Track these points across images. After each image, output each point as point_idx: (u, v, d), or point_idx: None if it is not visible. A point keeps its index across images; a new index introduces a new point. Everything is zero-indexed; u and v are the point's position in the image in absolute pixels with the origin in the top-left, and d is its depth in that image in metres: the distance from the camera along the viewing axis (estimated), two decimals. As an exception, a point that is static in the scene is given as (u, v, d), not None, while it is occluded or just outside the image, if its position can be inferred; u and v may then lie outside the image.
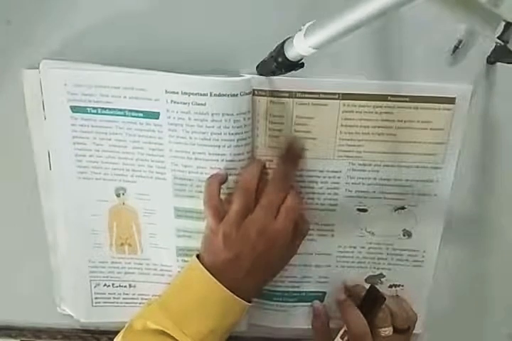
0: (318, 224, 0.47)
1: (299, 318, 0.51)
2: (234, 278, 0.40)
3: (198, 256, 0.42)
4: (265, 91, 0.42)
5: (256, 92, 0.42)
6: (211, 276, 0.40)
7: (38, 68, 0.42)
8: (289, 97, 0.42)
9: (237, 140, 0.42)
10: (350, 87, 0.42)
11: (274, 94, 0.42)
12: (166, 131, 0.42)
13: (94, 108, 0.43)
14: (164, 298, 0.42)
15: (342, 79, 0.42)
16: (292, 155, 0.44)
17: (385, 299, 0.44)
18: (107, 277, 0.50)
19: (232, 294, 0.39)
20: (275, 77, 0.41)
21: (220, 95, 0.40)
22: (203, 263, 0.41)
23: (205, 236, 0.43)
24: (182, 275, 0.43)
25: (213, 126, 0.41)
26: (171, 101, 0.41)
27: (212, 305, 0.40)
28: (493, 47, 0.39)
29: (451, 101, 0.42)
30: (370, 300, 0.45)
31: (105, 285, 0.50)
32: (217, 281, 0.39)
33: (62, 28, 0.42)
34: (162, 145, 0.43)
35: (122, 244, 0.49)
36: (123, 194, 0.46)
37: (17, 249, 0.51)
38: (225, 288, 0.39)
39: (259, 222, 0.40)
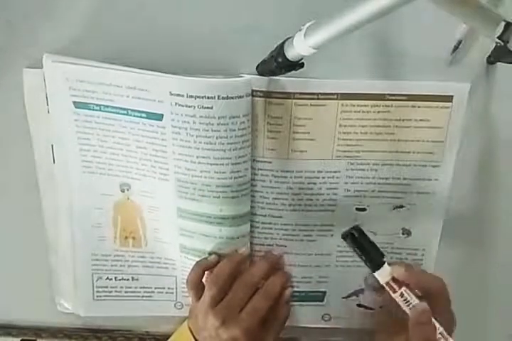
0: (317, 225, 0.47)
1: (299, 318, 0.51)
2: None
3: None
4: (263, 92, 0.42)
5: (254, 93, 0.42)
6: None
7: (38, 67, 0.42)
8: (287, 98, 0.42)
9: (242, 142, 0.42)
10: (348, 87, 0.42)
11: (272, 95, 0.42)
12: (169, 133, 0.42)
13: (96, 105, 0.43)
14: None
15: (340, 79, 0.42)
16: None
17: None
18: (110, 270, 0.50)
19: None
20: (273, 78, 0.41)
21: (227, 98, 0.40)
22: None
23: (191, 307, 0.46)
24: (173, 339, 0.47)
25: (219, 130, 0.41)
26: (175, 103, 0.40)
27: None
28: (493, 47, 0.40)
29: (449, 99, 0.42)
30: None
31: (107, 278, 0.51)
32: None
33: (63, 28, 0.42)
34: (165, 147, 0.43)
35: (126, 238, 0.49)
36: (127, 190, 0.47)
37: (17, 247, 0.51)
38: None
39: (222, 316, 0.42)
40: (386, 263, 0.41)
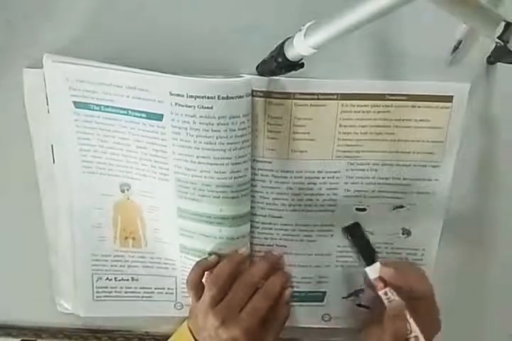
0: (317, 225, 0.47)
1: (299, 318, 0.51)
2: None
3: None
4: (263, 92, 0.42)
5: (254, 93, 0.42)
6: None
7: (38, 67, 0.42)
8: (287, 98, 0.42)
9: (242, 142, 0.42)
10: (348, 87, 0.42)
11: (272, 95, 0.42)
12: (169, 133, 0.42)
13: (96, 105, 0.43)
14: None
15: (340, 79, 0.42)
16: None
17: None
18: (110, 270, 0.50)
19: None
20: (273, 78, 0.41)
21: (227, 98, 0.40)
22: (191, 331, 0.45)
23: (191, 307, 0.46)
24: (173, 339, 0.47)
25: (219, 130, 0.41)
26: (175, 103, 0.40)
27: None
28: (493, 47, 0.40)
29: (448, 99, 0.43)
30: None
31: (107, 278, 0.51)
32: None
33: (63, 28, 0.42)
34: (165, 147, 0.43)
35: (126, 238, 0.49)
36: (127, 190, 0.47)
37: (17, 247, 0.51)
38: None
39: (222, 316, 0.42)
40: (378, 262, 0.44)
